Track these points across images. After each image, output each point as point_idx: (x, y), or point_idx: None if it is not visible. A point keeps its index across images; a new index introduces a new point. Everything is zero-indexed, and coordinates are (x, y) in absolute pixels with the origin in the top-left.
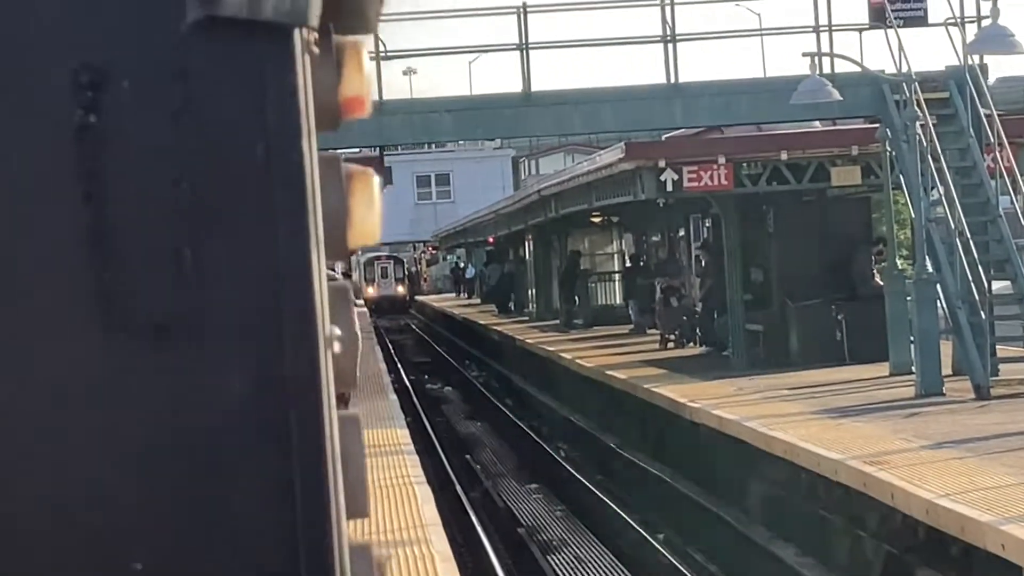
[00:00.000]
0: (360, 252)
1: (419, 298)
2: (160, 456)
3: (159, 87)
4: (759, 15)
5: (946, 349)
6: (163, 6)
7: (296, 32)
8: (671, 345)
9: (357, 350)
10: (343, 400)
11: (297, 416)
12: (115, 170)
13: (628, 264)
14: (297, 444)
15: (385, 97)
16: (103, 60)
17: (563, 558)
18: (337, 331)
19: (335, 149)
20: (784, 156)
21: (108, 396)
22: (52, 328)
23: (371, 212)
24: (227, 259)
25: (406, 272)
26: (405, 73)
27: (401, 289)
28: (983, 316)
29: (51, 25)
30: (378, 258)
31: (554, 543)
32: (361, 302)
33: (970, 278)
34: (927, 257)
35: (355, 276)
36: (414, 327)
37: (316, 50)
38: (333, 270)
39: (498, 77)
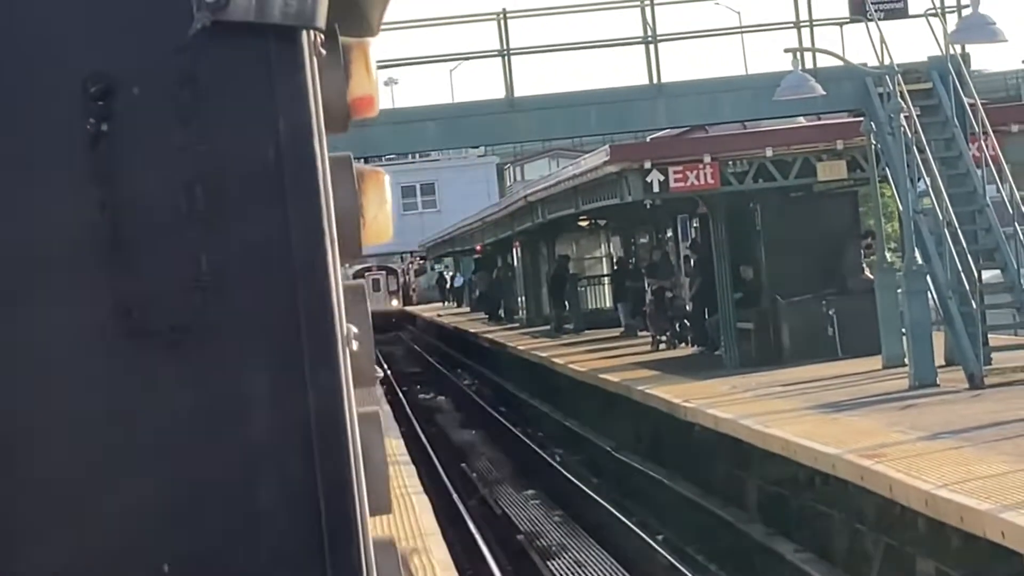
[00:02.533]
0: (347, 265)
1: (408, 309)
2: (184, 458)
3: (169, 92)
4: (739, 13)
5: (938, 340)
6: (170, 13)
7: (303, 34)
8: (663, 346)
9: (373, 348)
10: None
11: (318, 414)
12: (129, 177)
13: (616, 267)
14: (319, 442)
15: None
16: (112, 68)
17: (563, 563)
18: (354, 329)
19: None
20: (769, 153)
21: (129, 403)
22: (71, 338)
23: (383, 210)
24: (243, 261)
25: (400, 284)
26: (387, 84)
27: (396, 303)
28: (974, 305)
29: (59, 35)
30: (368, 269)
31: (553, 548)
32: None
33: (960, 268)
34: (916, 248)
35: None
36: (404, 337)
37: (323, 52)
38: None
39: (480, 85)
